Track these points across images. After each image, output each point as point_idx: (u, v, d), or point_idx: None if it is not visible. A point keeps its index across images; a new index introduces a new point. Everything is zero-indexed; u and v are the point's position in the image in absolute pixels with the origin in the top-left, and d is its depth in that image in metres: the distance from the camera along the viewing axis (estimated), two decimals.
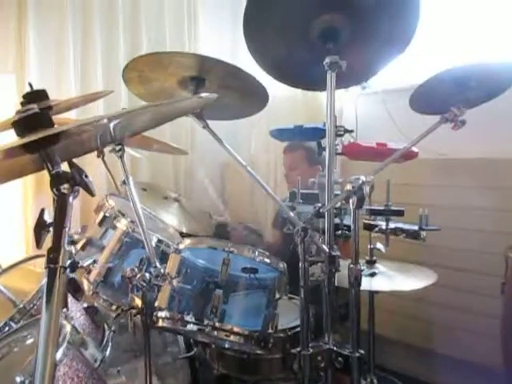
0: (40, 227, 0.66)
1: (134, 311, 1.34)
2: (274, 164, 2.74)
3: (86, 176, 0.68)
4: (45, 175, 0.70)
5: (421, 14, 1.17)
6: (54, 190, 0.66)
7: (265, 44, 1.26)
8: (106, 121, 0.59)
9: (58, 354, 0.66)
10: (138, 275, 1.26)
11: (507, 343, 1.61)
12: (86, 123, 0.62)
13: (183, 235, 1.77)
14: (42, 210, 0.67)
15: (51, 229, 0.66)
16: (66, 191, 0.66)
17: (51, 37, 2.22)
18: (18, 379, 0.75)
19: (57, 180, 0.66)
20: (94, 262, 1.43)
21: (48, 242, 0.66)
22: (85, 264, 1.37)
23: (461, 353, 2.05)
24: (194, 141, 2.84)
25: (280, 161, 2.64)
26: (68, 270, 0.64)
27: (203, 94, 0.85)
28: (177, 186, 2.76)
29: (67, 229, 0.65)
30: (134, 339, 1.63)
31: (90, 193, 0.69)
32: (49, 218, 0.68)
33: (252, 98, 1.31)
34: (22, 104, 0.69)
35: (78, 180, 0.67)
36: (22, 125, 0.66)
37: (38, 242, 0.67)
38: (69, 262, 0.64)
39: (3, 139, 0.71)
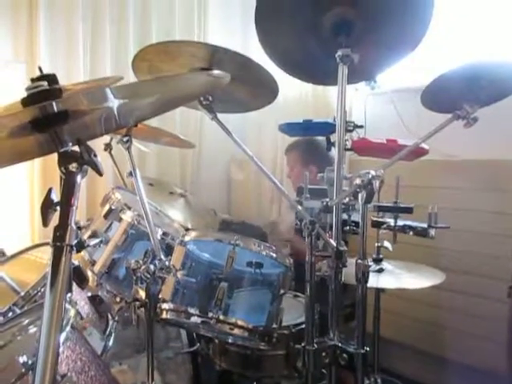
0: (47, 206, 0.65)
1: (137, 303, 1.33)
2: (280, 164, 2.73)
3: (95, 155, 0.67)
4: (52, 168, 0.69)
5: (434, 10, 1.16)
6: (62, 168, 0.66)
7: (276, 37, 1.25)
8: (107, 91, 0.57)
9: (62, 336, 0.65)
10: (143, 267, 1.26)
11: None
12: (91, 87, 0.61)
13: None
14: (50, 190, 0.67)
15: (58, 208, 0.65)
16: (74, 169, 0.65)
17: (62, 27, 2.23)
18: (21, 360, 0.74)
19: (65, 158, 0.66)
20: (101, 241, 1.42)
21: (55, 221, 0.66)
22: (91, 243, 1.37)
23: (467, 357, 2.02)
24: (202, 138, 2.84)
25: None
26: (74, 249, 0.63)
27: (214, 72, 0.84)
28: (183, 183, 2.75)
29: (75, 207, 0.65)
30: (136, 334, 1.63)
31: (99, 172, 0.68)
32: (56, 197, 0.67)
33: (262, 90, 1.30)
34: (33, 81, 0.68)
35: (86, 159, 0.66)
36: (32, 102, 0.65)
37: (45, 221, 0.66)
38: (75, 241, 0.63)
39: None
